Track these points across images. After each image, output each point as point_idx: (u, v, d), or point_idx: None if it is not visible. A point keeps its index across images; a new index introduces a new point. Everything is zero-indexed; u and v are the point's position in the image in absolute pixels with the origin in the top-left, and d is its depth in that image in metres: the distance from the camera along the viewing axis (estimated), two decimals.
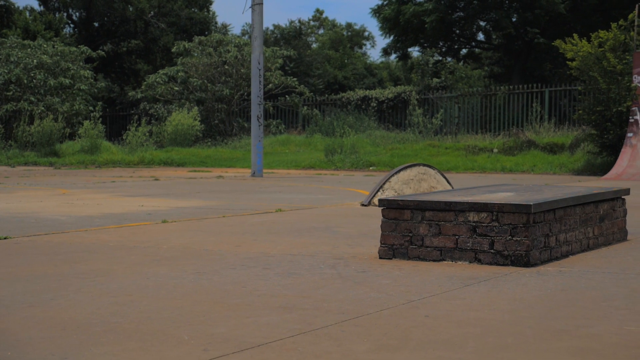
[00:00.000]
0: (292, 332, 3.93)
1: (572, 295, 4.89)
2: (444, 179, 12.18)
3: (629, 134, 19.82)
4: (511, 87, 28.76)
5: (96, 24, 44.37)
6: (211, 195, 12.70)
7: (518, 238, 5.88)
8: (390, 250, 6.26)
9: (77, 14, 45.02)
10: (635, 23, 20.17)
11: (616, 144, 20.18)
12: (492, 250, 5.95)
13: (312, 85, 39.76)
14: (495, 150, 22.98)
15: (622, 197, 7.57)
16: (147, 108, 31.95)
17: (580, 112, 20.89)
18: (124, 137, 27.98)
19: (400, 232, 6.22)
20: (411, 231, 6.19)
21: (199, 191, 13.71)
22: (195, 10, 44.10)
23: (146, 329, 4.01)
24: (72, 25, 45.61)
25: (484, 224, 5.97)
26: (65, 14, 44.73)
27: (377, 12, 36.73)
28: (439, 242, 6.09)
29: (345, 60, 47.76)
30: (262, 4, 18.10)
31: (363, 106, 30.39)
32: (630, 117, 19.89)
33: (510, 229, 5.90)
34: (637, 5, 20.41)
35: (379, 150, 24.23)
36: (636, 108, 19.90)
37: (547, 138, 23.62)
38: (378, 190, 11.05)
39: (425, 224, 6.14)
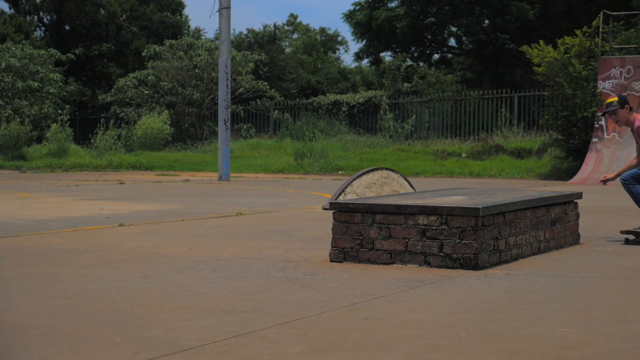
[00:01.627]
0: (227, 335, 3.92)
1: (514, 297, 4.91)
2: (406, 183, 12.21)
3: (594, 139, 19.96)
4: (481, 92, 28.89)
5: (67, 27, 44.07)
6: (174, 199, 12.65)
7: (467, 241, 5.90)
8: (341, 254, 6.26)
9: (48, 17, 44.71)
10: (600, 30, 20.34)
11: (582, 149, 20.30)
12: (441, 254, 5.97)
13: (285, 90, 39.71)
14: (463, 155, 23.06)
15: (575, 201, 7.62)
16: (118, 112, 31.80)
17: (546, 117, 21.00)
18: (92, 141, 27.82)
19: (351, 235, 6.23)
20: (362, 234, 6.19)
21: (162, 195, 13.66)
22: (168, 14, 43.92)
23: (80, 332, 3.98)
24: (43, 29, 45.28)
25: (433, 227, 5.99)
26: (36, 17, 44.40)
27: (349, 17, 36.75)
28: (389, 245, 6.10)
29: (319, 65, 47.77)
30: (229, 8, 18.08)
31: (334, 110, 30.41)
32: (596, 123, 20.04)
33: (459, 232, 5.92)
34: (601, 12, 20.58)
35: (349, 154, 24.25)
36: (601, 113, 20.03)
37: (515, 143, 23.73)
38: (340, 194, 11.05)
39: (375, 227, 6.15)
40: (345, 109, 30.50)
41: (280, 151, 26.14)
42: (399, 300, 4.79)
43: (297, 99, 34.03)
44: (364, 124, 30.29)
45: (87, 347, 3.70)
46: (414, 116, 28.24)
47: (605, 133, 20.14)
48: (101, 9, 42.31)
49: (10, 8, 44.69)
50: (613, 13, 21.85)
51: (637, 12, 21.72)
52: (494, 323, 4.22)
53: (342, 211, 6.27)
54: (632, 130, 7.91)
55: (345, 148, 25.57)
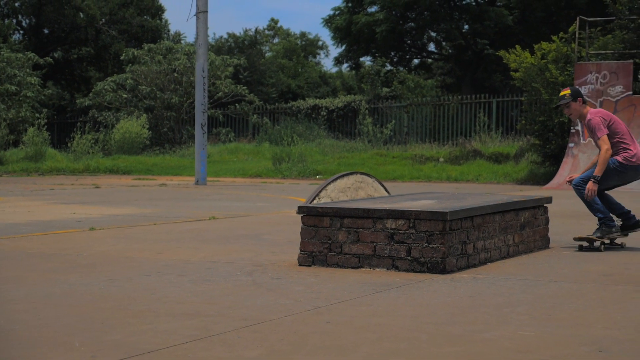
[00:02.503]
0: (187, 339, 3.91)
1: (478, 301, 4.92)
2: (381, 187, 12.21)
3: (571, 144, 20.05)
4: (460, 97, 28.99)
5: (46, 31, 43.87)
6: (148, 203, 12.61)
7: (434, 245, 5.91)
8: (309, 258, 6.26)
9: (27, 20, 44.50)
10: (577, 35, 20.44)
11: (558, 154, 20.38)
12: (409, 257, 5.97)
13: (265, 94, 39.69)
14: (441, 159, 23.12)
15: (544, 205, 7.65)
16: (96, 115, 31.67)
17: (523, 122, 21.10)
18: (68, 145, 27.68)
19: (319, 239, 6.23)
20: (330, 238, 6.19)
21: (137, 199, 13.61)
22: (147, 18, 43.80)
23: (39, 336, 3.96)
24: (21, 32, 45.06)
25: (401, 231, 6.00)
26: (14, 20, 44.18)
27: (328, 22, 36.81)
28: (357, 249, 6.11)
29: (299, 69, 47.80)
30: (206, 12, 18.06)
31: (313, 115, 30.40)
32: (572, 128, 20.12)
33: (426, 236, 5.93)
34: (577, 18, 20.69)
35: (327, 159, 24.26)
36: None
37: (493, 148, 23.81)
38: (314, 198, 11.04)
39: (344, 231, 6.15)
40: (324, 113, 30.52)
41: (259, 155, 26.11)
42: (363, 304, 4.79)
43: (277, 104, 34.01)
44: (343, 128, 30.31)
45: (44, 351, 3.68)
46: (393, 121, 28.28)
47: (581, 138, 20.23)
48: (80, 13, 42.14)
49: None
50: (589, 19, 21.97)
51: (613, 18, 21.83)
52: (456, 326, 4.23)
53: (311, 215, 6.27)
54: (584, 123, 7.73)
55: (323, 153, 25.58)
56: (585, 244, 7.49)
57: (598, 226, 7.49)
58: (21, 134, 29.22)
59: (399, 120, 28.86)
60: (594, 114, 7.57)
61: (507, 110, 27.87)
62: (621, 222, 7.65)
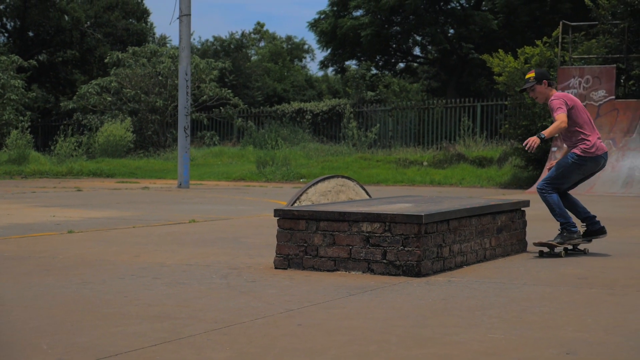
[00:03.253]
0: (156, 341, 3.90)
1: (451, 304, 4.93)
2: (362, 191, 12.21)
3: (553, 149, 20.10)
4: (444, 101, 29.06)
5: (31, 34, 43.73)
6: (130, 206, 12.57)
7: (410, 248, 5.92)
8: (285, 261, 6.25)
9: (12, 23, 44.35)
10: (560, 40, 20.52)
11: (541, 158, 20.44)
12: (384, 261, 5.98)
13: (251, 98, 39.66)
14: (425, 163, 23.15)
15: (522, 209, 7.66)
16: (81, 119, 31.58)
17: (506, 126, 21.16)
18: (52, 148, 27.60)
19: (295, 242, 6.22)
20: (306, 241, 6.19)
21: (118, 202, 13.57)
22: (133, 21, 43.72)
23: (7, 338, 3.94)
24: (6, 35, 44.91)
25: (376, 235, 6.00)
26: None
27: (314, 25, 36.84)
28: (333, 252, 6.10)
29: (285, 73, 47.80)
30: (189, 15, 18.04)
31: (298, 118, 30.41)
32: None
33: (402, 240, 5.94)
34: (560, 22, 20.78)
35: (311, 162, 24.25)
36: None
37: (477, 152, 23.86)
38: (295, 202, 11.03)
39: (319, 234, 6.15)
40: (309, 117, 30.53)
41: (243, 159, 26.09)
42: (336, 307, 4.79)
43: (262, 107, 34.00)
44: (328, 132, 30.33)
45: (11, 353, 3.66)
46: (378, 125, 28.31)
47: (564, 143, 20.30)
48: (65, 16, 42.03)
49: None
50: (572, 24, 22.07)
51: (596, 22, 21.92)
52: (426, 329, 4.23)
53: (287, 218, 6.27)
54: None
55: (308, 156, 25.58)
56: (545, 249, 7.40)
57: (559, 231, 7.36)
58: (5, 137, 29.11)
59: (383, 124, 28.89)
60: (558, 96, 7.37)
61: (492, 115, 27.94)
62: (585, 228, 7.52)
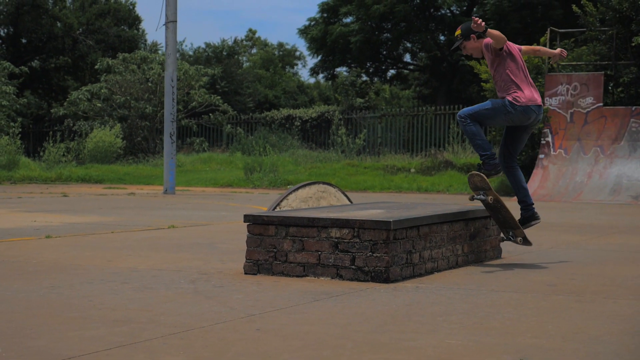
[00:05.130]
0: (111, 345, 3.91)
1: (414, 310, 4.94)
2: (344, 197, 12.22)
3: (541, 156, 20.17)
4: (433, 107, 29.12)
5: (24, 40, 43.77)
6: (112, 212, 12.58)
7: (378, 254, 5.93)
8: (255, 266, 6.26)
9: (5, 30, 44.39)
10: (547, 46, 20.58)
11: (529, 165, 20.50)
12: (353, 266, 5.99)
13: (242, 104, 39.72)
14: (412, 170, 23.19)
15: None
16: (71, 125, 31.61)
17: (493, 133, 21.21)
18: (41, 154, 27.62)
19: (265, 247, 6.23)
20: (275, 247, 6.20)
21: (102, 207, 13.57)
22: (125, 28, 43.81)
23: None
24: None
25: (345, 240, 6.01)
26: None
27: (304, 32, 36.93)
28: (302, 258, 6.12)
29: (277, 80, 47.88)
30: (175, 21, 18.07)
31: (287, 125, 30.47)
32: (542, 139, 20.26)
33: (370, 245, 5.95)
34: (548, 29, 20.86)
35: (299, 169, 24.28)
36: (547, 130, 20.28)
37: (465, 159, 23.91)
38: (275, 208, 11.04)
39: (289, 240, 6.16)
40: (298, 123, 30.57)
41: (232, 165, 26.11)
42: (298, 312, 4.80)
43: (252, 114, 34.04)
44: (317, 138, 30.38)
45: None
46: (365, 130, 28.35)
47: (551, 149, 20.37)
48: (58, 22, 42.09)
49: None
50: (560, 30, 22.15)
51: (584, 29, 22.01)
52: (384, 335, 4.24)
53: (257, 224, 6.28)
54: (486, 54, 7.09)
55: (296, 163, 25.61)
56: (479, 195, 6.98)
57: (479, 163, 7.07)
58: None
59: (372, 131, 28.93)
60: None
61: None
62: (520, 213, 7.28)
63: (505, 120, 7.08)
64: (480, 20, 6.77)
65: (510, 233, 7.23)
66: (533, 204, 7.32)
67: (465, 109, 7.10)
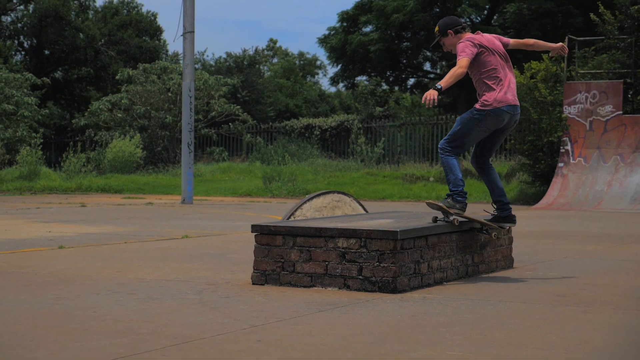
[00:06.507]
0: (110, 357, 3.90)
1: (419, 321, 4.90)
2: (359, 206, 12.19)
3: (560, 164, 20.04)
4: (454, 116, 29.01)
5: (47, 52, 44.14)
6: (127, 222, 12.61)
7: (385, 264, 5.90)
8: (262, 276, 6.25)
9: (28, 41, 44.79)
10: (565, 55, 20.40)
11: (548, 174, 20.38)
12: (360, 277, 5.96)
13: (263, 113, 39.82)
14: (431, 179, 23.12)
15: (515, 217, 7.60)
16: (92, 135, 31.82)
17: (512, 141, 21.11)
18: (62, 164, 27.80)
19: (272, 257, 6.22)
20: (283, 257, 6.18)
21: (118, 218, 13.62)
22: (146, 39, 44.08)
23: None
24: (23, 53, 45.34)
25: (352, 250, 5.99)
26: (16, 42, 44.49)
27: (324, 41, 36.96)
28: (309, 268, 6.09)
29: (298, 88, 47.97)
30: (193, 32, 18.15)
31: (306, 134, 30.51)
32: (562, 147, 20.13)
33: (377, 256, 5.92)
34: (566, 38, 20.74)
35: (318, 178, 24.27)
36: (567, 138, 20.16)
37: None
38: (289, 217, 11.03)
39: (296, 250, 6.14)
40: (318, 132, 30.59)
41: (251, 175, 26.14)
42: (301, 323, 4.78)
43: (271, 123, 34.11)
44: (336, 147, 30.37)
45: None
46: (383, 139, 28.30)
47: (571, 158, 20.24)
48: (80, 34, 42.41)
49: None
50: (578, 38, 22.03)
51: (602, 37, 21.88)
52: (384, 346, 4.21)
53: (264, 234, 6.27)
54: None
55: (316, 172, 25.60)
56: (440, 215, 6.66)
57: (446, 196, 6.70)
58: (17, 154, 29.32)
59: (392, 140, 28.88)
60: (467, 38, 6.70)
61: None
62: (495, 211, 6.96)
63: (481, 129, 6.69)
64: (428, 97, 6.44)
65: (484, 228, 6.91)
66: (509, 203, 6.96)
67: (444, 138, 6.79)
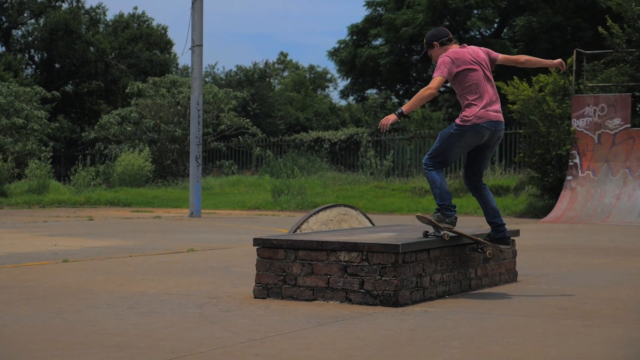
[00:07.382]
0: None
1: (418, 334, 4.89)
2: (366, 220, 12.16)
3: (569, 177, 19.97)
4: None
5: (57, 65, 44.36)
6: (134, 236, 12.62)
7: (387, 278, 5.89)
8: (264, 290, 6.24)
9: (39, 55, 45.03)
10: (574, 68, 20.45)
11: (557, 187, 20.30)
12: (362, 290, 5.95)
13: (273, 126, 39.85)
14: None
15: (512, 238, 7.58)
16: (102, 148, 31.90)
17: (521, 155, 21.05)
18: (70, 177, 27.86)
19: (274, 271, 6.21)
20: (285, 270, 6.18)
21: (124, 231, 13.63)
22: (157, 52, 44.23)
23: None
24: (33, 66, 45.57)
25: (354, 264, 5.98)
26: (27, 55, 44.73)
27: (334, 54, 37.02)
28: (311, 282, 6.09)
29: (309, 101, 47.99)
30: (201, 45, 18.20)
31: (316, 147, 30.52)
32: (570, 161, 20.06)
33: (379, 269, 5.91)
34: (574, 51, 20.71)
35: (327, 191, 24.25)
36: (575, 151, 20.09)
37: (494, 180, 23.76)
38: (295, 231, 11.02)
39: (298, 264, 6.14)
40: (327, 145, 30.60)
41: (260, 188, 26.14)
42: (300, 337, 4.77)
43: (281, 136, 34.13)
44: (346, 160, 30.37)
45: None
46: (392, 152, 28.29)
47: (579, 171, 20.17)
48: (91, 47, 42.61)
49: (1, 46, 44.97)
50: (587, 52, 22.00)
51: (610, 50, 21.85)
52: None
53: (266, 247, 6.26)
54: None
55: (325, 185, 25.59)
56: (431, 230, 6.55)
57: (435, 210, 6.53)
58: (27, 167, 29.40)
59: (401, 153, 28.86)
60: (447, 54, 6.55)
61: (511, 143, 27.82)
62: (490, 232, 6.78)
63: (461, 145, 6.54)
64: (383, 123, 6.46)
65: (479, 246, 6.78)
66: (504, 224, 6.75)
67: (427, 154, 6.68)
